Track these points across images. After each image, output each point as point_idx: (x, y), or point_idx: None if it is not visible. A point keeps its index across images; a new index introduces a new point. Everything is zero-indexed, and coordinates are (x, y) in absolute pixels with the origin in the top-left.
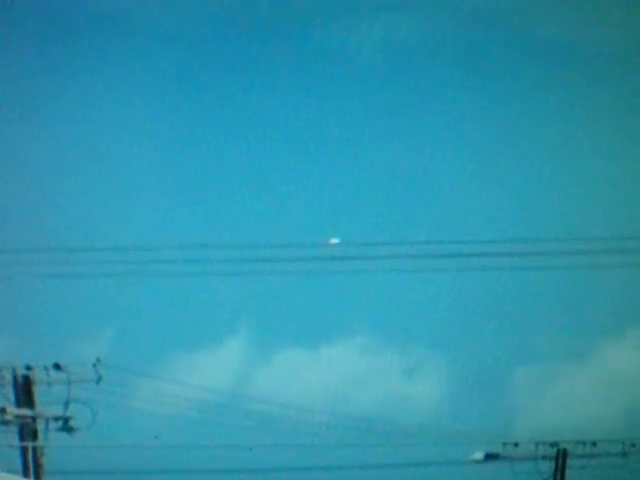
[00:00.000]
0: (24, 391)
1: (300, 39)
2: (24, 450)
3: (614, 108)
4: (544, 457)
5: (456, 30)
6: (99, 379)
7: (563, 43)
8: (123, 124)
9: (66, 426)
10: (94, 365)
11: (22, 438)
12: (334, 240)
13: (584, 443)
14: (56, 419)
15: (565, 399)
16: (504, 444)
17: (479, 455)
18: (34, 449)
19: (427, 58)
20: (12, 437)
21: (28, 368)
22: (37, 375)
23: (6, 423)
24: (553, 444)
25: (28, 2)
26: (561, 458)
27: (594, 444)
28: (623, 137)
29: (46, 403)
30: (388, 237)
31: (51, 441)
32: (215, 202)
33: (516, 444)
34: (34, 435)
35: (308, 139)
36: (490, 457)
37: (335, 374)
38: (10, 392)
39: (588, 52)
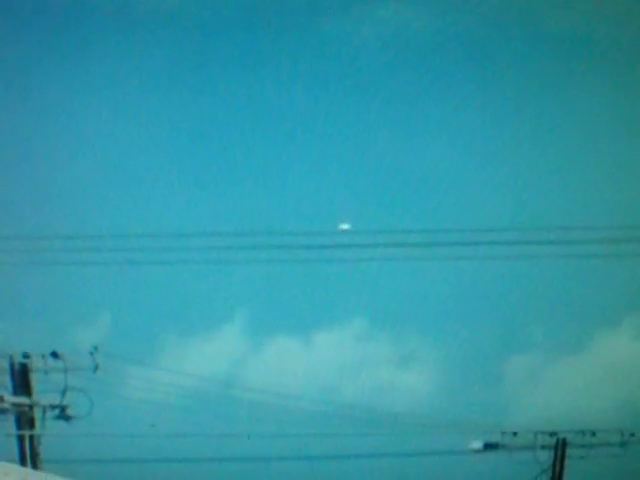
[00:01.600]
0: (21, 379)
1: (308, 31)
2: (21, 438)
3: (615, 103)
4: (543, 447)
5: (461, 24)
6: (96, 367)
7: (566, 38)
8: (124, 116)
9: (63, 414)
10: (91, 353)
11: (19, 426)
12: (344, 226)
13: (583, 433)
14: (53, 407)
15: (564, 389)
16: (503, 433)
17: (478, 444)
18: (31, 437)
19: (435, 50)
20: (9, 425)
21: (25, 356)
22: (34, 363)
23: (3, 411)
24: (552, 434)
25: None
26: (560, 448)
27: (593, 434)
28: (621, 130)
29: (43, 391)
30: (389, 225)
31: (48, 429)
32: (220, 190)
33: (515, 433)
34: (31, 423)
35: (312, 130)
36: (489, 447)
37: (334, 363)
38: (7, 380)
39: (592, 48)
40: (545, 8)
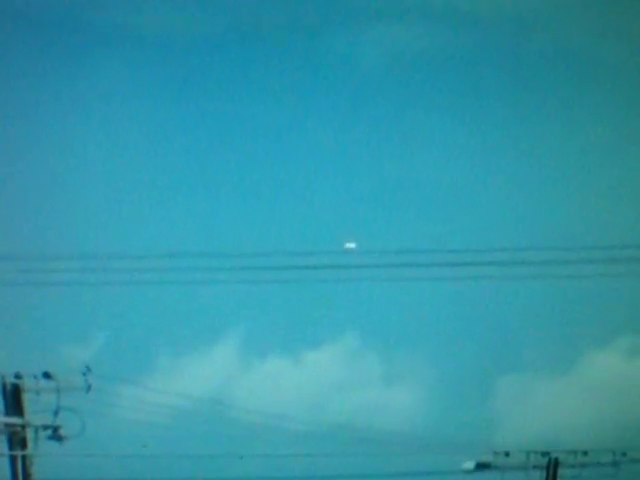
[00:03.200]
0: (13, 399)
1: (310, 50)
2: (13, 459)
3: (613, 116)
4: (535, 467)
5: (461, 42)
6: (89, 388)
7: (562, 56)
8: (118, 133)
9: (55, 435)
10: (84, 374)
11: (11, 447)
12: (350, 244)
13: (575, 452)
14: (45, 428)
15: (556, 408)
16: (495, 453)
17: (470, 465)
18: (23, 458)
19: (438, 65)
20: (1, 446)
21: (17, 376)
22: (26, 383)
23: None
24: (544, 453)
25: (28, 4)
26: (552, 468)
27: (585, 453)
28: (619, 144)
29: (35, 412)
30: (388, 244)
31: (40, 450)
32: (220, 209)
33: (507, 453)
34: (23, 444)
35: (310, 144)
36: (481, 467)
37: (328, 382)
38: None
39: (588, 58)
40: (542, 26)
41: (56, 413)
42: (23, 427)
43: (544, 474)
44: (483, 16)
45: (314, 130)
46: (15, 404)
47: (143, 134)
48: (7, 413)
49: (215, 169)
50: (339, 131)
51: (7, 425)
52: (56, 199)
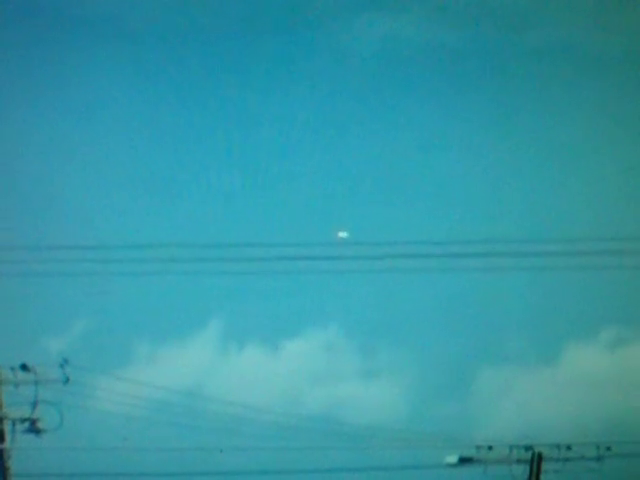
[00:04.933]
0: None
1: (307, 42)
2: None
3: (614, 113)
4: (519, 461)
5: (458, 31)
6: (67, 380)
7: (561, 50)
8: (119, 124)
9: (33, 427)
10: (61, 366)
11: None
12: (342, 234)
13: (559, 446)
14: (23, 420)
15: (540, 402)
16: (478, 447)
17: (453, 459)
18: (1, 451)
19: (439, 61)
20: None
21: None
22: (4, 375)
23: None
24: (528, 447)
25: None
26: (536, 462)
27: (569, 447)
28: (610, 140)
29: (13, 404)
30: (372, 236)
31: (18, 443)
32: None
33: (490, 447)
34: (1, 437)
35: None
36: (464, 461)
37: (310, 376)
38: None
39: (589, 55)
40: (540, 20)
41: (34, 406)
42: (1, 420)
43: (527, 468)
44: (481, 9)
45: (308, 122)
46: None
47: (133, 126)
48: None
49: (206, 162)
50: (333, 124)
51: None
52: (35, 192)
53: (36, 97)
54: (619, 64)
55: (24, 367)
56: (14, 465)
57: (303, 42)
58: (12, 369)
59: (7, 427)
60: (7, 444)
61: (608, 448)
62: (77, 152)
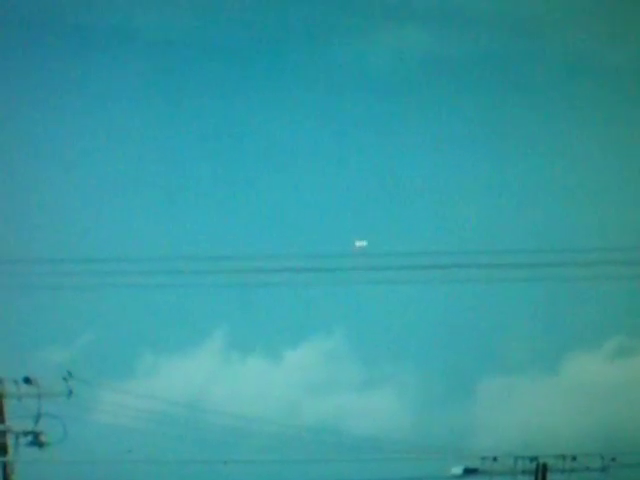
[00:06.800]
0: None
1: (318, 50)
2: None
3: (620, 121)
4: (523, 472)
5: (466, 41)
6: (70, 393)
7: (566, 61)
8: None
9: (37, 441)
10: (65, 379)
11: None
12: (361, 243)
13: (564, 457)
14: (26, 434)
15: (545, 413)
16: (483, 458)
17: (458, 470)
18: (4, 464)
19: (446, 68)
20: None
21: None
22: (7, 389)
23: None
24: (532, 458)
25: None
26: (541, 473)
27: (574, 458)
28: (612, 148)
29: (16, 417)
30: (378, 247)
31: (21, 456)
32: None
33: (495, 458)
34: (4, 450)
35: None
36: (469, 472)
37: (313, 388)
38: None
39: (592, 61)
40: (548, 29)
41: (37, 419)
42: (4, 433)
43: (532, 479)
44: (489, 19)
45: (318, 132)
46: None
47: (139, 134)
48: None
49: (213, 173)
50: (342, 132)
51: None
52: (40, 202)
53: (37, 105)
54: (626, 74)
55: (27, 380)
56: (17, 478)
57: (315, 51)
58: (15, 382)
59: (10, 440)
60: (10, 457)
61: (613, 459)
62: (81, 164)
